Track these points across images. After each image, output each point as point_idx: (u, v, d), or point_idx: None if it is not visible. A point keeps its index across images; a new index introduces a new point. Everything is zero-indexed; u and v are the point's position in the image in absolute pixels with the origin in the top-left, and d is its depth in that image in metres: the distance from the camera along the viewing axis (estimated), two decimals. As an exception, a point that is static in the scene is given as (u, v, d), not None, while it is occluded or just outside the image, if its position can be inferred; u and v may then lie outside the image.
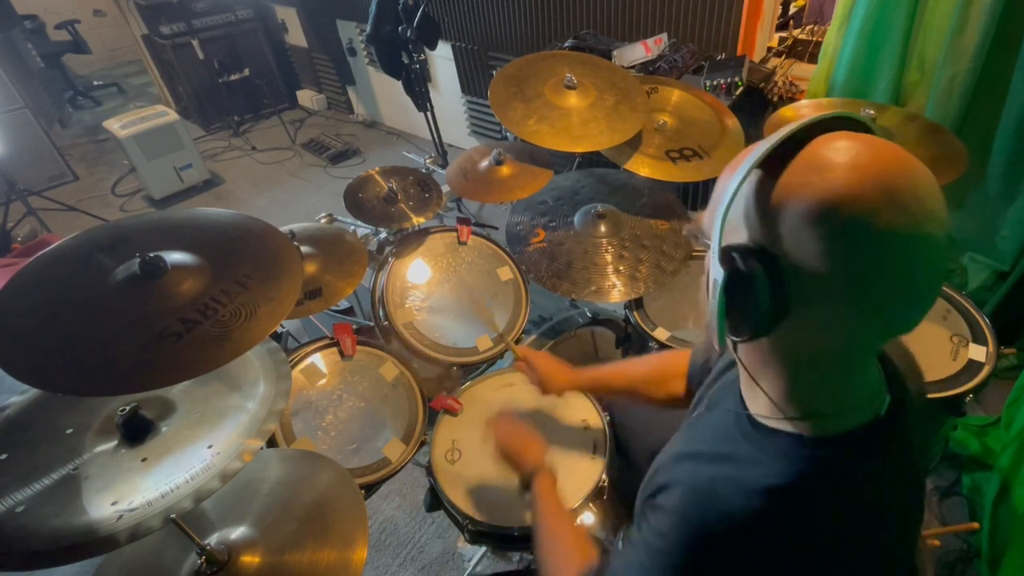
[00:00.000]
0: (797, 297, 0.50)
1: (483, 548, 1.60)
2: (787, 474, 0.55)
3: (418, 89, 3.18)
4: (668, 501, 0.61)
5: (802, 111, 1.59)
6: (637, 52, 2.26)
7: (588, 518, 1.13)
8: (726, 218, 0.52)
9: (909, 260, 0.46)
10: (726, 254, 0.52)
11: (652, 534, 0.61)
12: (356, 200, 1.66)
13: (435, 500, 1.21)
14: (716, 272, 0.53)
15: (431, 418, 1.33)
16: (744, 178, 0.50)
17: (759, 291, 0.50)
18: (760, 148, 0.50)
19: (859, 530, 0.56)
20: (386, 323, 1.48)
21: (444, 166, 2.90)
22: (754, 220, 0.52)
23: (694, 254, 1.50)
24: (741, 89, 2.02)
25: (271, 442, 1.18)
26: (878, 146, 0.48)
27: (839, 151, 0.48)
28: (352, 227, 1.98)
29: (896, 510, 0.60)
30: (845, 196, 0.46)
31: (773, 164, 0.50)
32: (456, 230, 1.67)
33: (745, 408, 0.63)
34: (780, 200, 0.49)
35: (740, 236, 0.53)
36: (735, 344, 0.58)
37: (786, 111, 1.59)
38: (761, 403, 0.60)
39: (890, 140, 0.50)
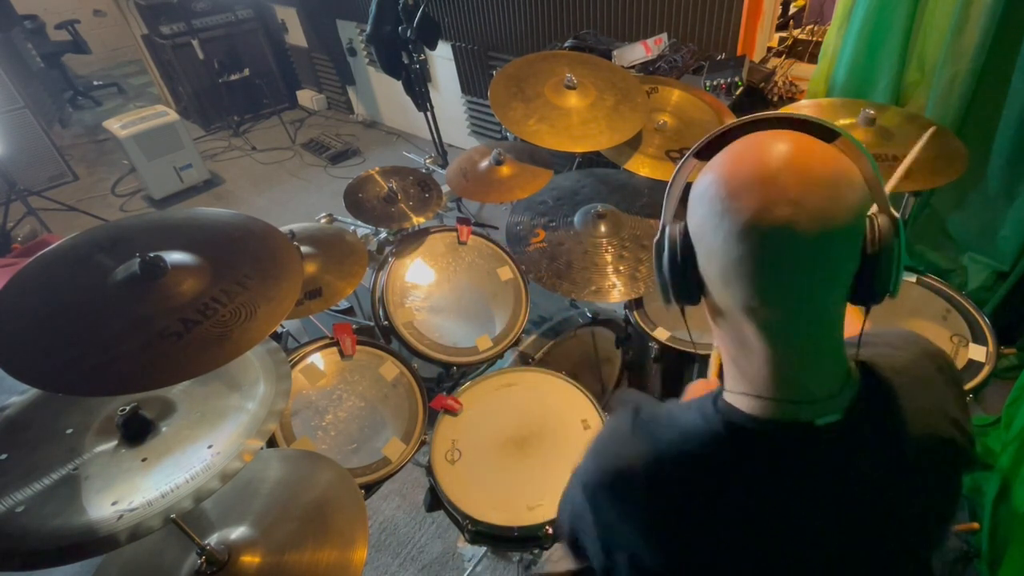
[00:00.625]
0: (702, 270, 0.55)
1: (483, 548, 1.61)
2: (699, 424, 0.59)
3: (418, 89, 3.18)
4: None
5: (801, 111, 1.59)
6: (637, 52, 2.26)
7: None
8: (669, 198, 0.61)
9: (743, 244, 0.49)
10: (662, 226, 0.60)
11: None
12: (356, 200, 1.66)
13: (435, 500, 1.21)
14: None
15: (431, 418, 1.33)
16: (683, 163, 0.59)
17: (675, 257, 0.56)
18: (702, 141, 0.57)
19: (725, 514, 0.57)
20: (386, 323, 1.48)
21: (444, 166, 2.90)
22: (686, 201, 0.59)
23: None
24: (741, 89, 2.02)
25: (271, 442, 1.18)
26: (775, 139, 0.51)
27: (739, 142, 0.53)
28: (352, 227, 1.98)
29: (802, 527, 0.57)
30: (717, 177, 0.52)
31: (705, 154, 0.57)
32: (456, 230, 1.67)
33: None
34: (693, 182, 0.56)
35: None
36: (681, 307, 0.62)
37: (785, 111, 1.59)
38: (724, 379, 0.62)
39: (845, 137, 0.52)
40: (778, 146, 0.51)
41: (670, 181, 0.61)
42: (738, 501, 0.57)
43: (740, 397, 0.58)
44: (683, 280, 0.57)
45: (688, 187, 0.60)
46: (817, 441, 0.56)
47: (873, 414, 0.58)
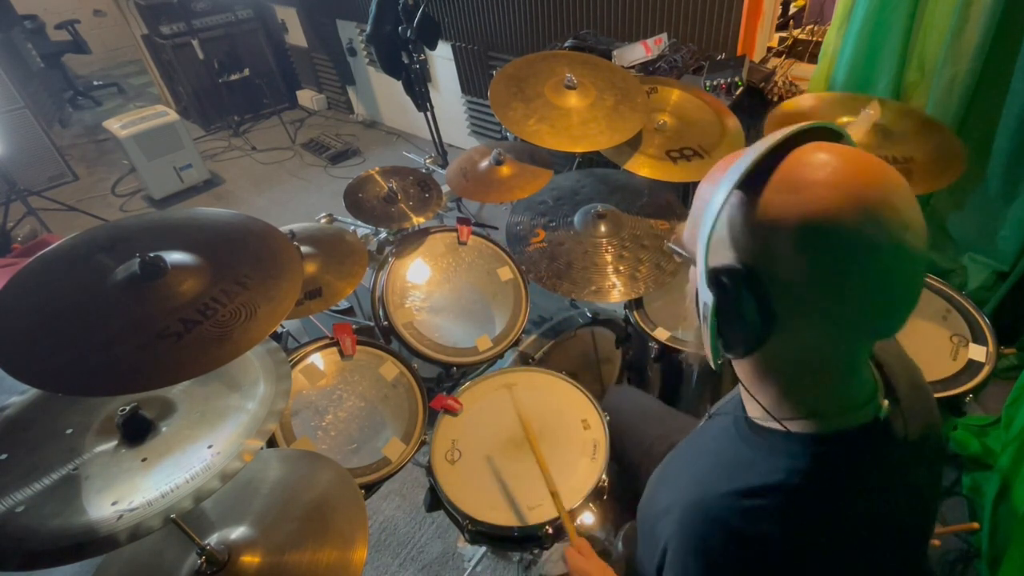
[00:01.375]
0: (785, 312, 0.51)
1: (483, 548, 1.60)
2: (781, 470, 0.55)
3: (418, 89, 3.18)
4: (669, 527, 0.62)
5: (803, 104, 1.58)
6: (637, 52, 2.26)
7: (588, 518, 1.13)
8: (711, 239, 0.53)
9: (890, 272, 0.47)
10: (714, 277, 0.53)
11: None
12: (356, 200, 1.66)
13: (435, 500, 1.21)
14: (705, 294, 0.55)
15: (431, 418, 1.33)
16: (726, 200, 0.51)
17: (748, 312, 0.51)
18: (738, 167, 0.51)
19: (856, 529, 0.56)
20: (386, 323, 1.48)
21: (444, 166, 2.90)
22: (739, 241, 0.52)
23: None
24: (741, 89, 2.02)
25: (271, 442, 1.18)
26: (853, 158, 0.49)
27: (815, 167, 0.48)
28: (352, 227, 1.98)
29: (897, 514, 0.59)
30: (826, 215, 0.47)
31: (752, 182, 0.51)
32: (456, 230, 1.67)
33: (744, 411, 0.64)
34: (763, 221, 0.50)
35: (726, 256, 0.53)
36: (730, 360, 0.59)
37: (787, 105, 1.58)
38: (757, 408, 0.61)
39: (861, 147, 0.52)
40: (861, 164, 0.48)
41: (710, 222, 0.52)
42: (859, 519, 0.56)
43: (801, 422, 0.56)
44: (762, 331, 0.52)
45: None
46: (887, 430, 0.57)
47: (894, 393, 0.60)
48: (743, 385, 0.62)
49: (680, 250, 0.61)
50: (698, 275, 0.56)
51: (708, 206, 0.53)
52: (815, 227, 0.47)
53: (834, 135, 0.54)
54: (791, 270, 0.49)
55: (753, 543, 0.55)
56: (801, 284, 0.49)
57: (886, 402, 0.58)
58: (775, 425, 0.58)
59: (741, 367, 0.61)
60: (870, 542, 0.57)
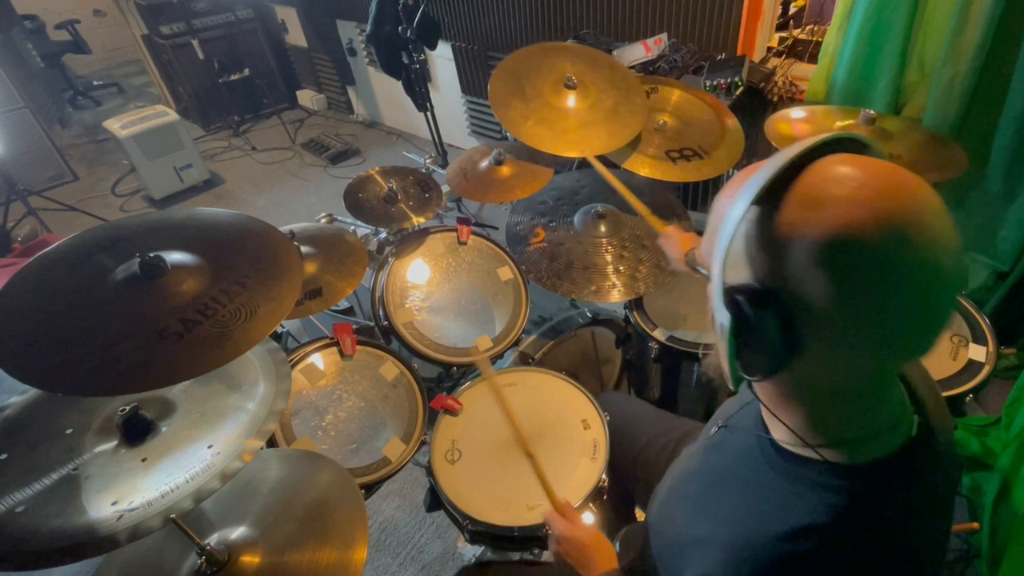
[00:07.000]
0: (809, 335, 0.48)
1: (483, 548, 1.60)
2: (821, 510, 0.53)
3: (418, 89, 3.18)
4: (707, 561, 0.59)
5: (794, 118, 1.56)
6: (637, 52, 2.26)
7: (588, 518, 1.13)
8: (727, 257, 0.50)
9: (919, 292, 0.44)
10: (730, 296, 0.50)
11: None
12: (356, 200, 1.66)
13: (435, 500, 1.21)
14: (721, 315, 0.52)
15: (431, 418, 1.33)
16: (743, 215, 0.49)
17: (768, 334, 0.48)
18: (756, 180, 0.48)
19: (898, 557, 0.55)
20: (386, 323, 1.48)
21: (444, 166, 2.90)
22: (757, 259, 0.49)
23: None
24: (741, 89, 2.02)
25: (271, 442, 1.18)
26: (878, 172, 0.46)
27: (837, 181, 0.46)
28: (352, 227, 1.98)
29: (928, 537, 0.59)
30: (849, 232, 0.44)
31: (771, 197, 0.48)
32: (456, 230, 1.67)
33: (767, 432, 0.61)
34: (782, 238, 0.47)
35: (743, 274, 0.51)
36: (750, 382, 0.56)
37: (781, 126, 1.51)
38: (783, 431, 0.58)
39: (886, 158, 0.49)
40: (886, 178, 0.45)
41: (727, 238, 0.50)
42: (900, 548, 0.55)
43: (834, 451, 0.54)
44: (784, 354, 0.49)
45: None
46: (920, 449, 0.55)
47: (921, 405, 0.59)
48: (764, 405, 0.59)
49: (700, 268, 0.61)
50: (713, 293, 0.53)
51: (725, 221, 0.50)
52: (836, 245, 0.44)
53: (860, 147, 0.50)
54: (812, 290, 0.46)
55: None
56: (823, 305, 0.46)
57: (916, 418, 0.56)
58: (806, 452, 0.56)
59: (763, 388, 0.58)
60: (913, 564, 0.56)
